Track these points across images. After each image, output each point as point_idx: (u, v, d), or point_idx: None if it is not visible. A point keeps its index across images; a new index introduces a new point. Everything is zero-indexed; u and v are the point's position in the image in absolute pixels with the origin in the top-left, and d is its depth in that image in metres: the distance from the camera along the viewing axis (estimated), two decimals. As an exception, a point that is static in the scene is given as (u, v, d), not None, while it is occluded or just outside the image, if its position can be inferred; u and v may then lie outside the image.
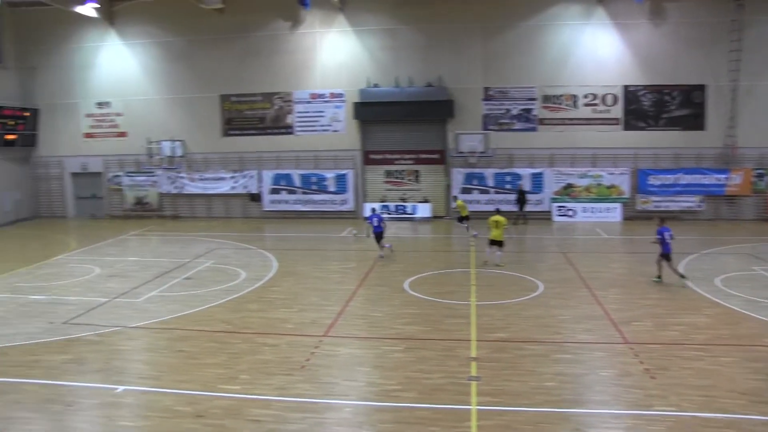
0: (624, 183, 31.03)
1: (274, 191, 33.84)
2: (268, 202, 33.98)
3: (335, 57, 32.68)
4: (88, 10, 31.83)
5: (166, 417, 10.67)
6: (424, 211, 32.14)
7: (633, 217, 30.98)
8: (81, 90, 35.72)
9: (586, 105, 31.05)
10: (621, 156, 31.11)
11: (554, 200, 31.42)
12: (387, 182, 33.20)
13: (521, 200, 30.60)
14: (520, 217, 30.40)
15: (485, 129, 31.57)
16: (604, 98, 30.88)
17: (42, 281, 20.84)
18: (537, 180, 31.41)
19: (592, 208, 31.23)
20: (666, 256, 18.50)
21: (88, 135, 36.05)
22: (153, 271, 21.75)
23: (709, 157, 30.72)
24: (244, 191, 34.28)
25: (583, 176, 31.21)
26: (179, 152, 34.37)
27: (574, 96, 31.07)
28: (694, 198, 30.62)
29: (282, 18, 32.87)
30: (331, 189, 33.11)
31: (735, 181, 30.34)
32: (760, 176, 30.24)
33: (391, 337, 14.41)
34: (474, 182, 31.90)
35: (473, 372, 12.13)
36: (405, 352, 13.45)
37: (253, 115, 33.94)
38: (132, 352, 14.21)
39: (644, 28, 30.42)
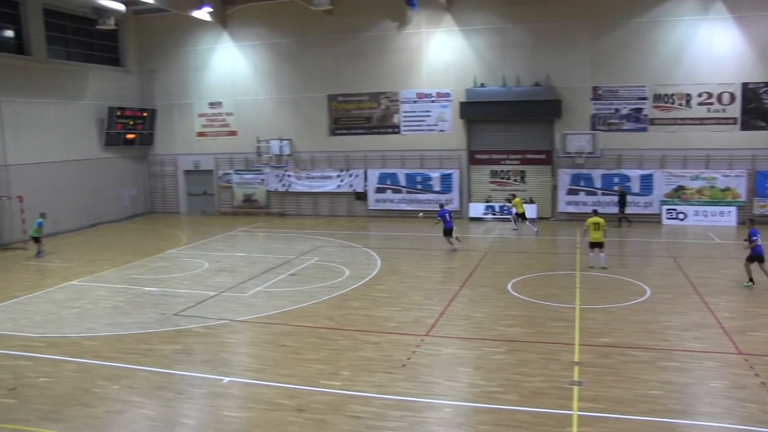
0: (740, 185, 29.56)
1: (380, 190, 34.17)
2: (374, 200, 34.35)
3: (442, 56, 32.67)
4: (203, 14, 33.28)
5: (268, 409, 11.00)
6: (529, 211, 31.64)
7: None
8: (195, 91, 37.26)
9: (701, 104, 29.74)
10: (737, 157, 29.63)
11: (664, 203, 30.30)
12: (492, 182, 32.92)
13: (622, 202, 29.74)
14: (622, 219, 29.58)
15: (593, 129, 30.80)
16: (720, 97, 29.49)
17: (155, 274, 21.90)
18: (646, 182, 30.38)
19: (705, 211, 29.91)
20: (758, 258, 17.72)
21: (201, 134, 37.56)
22: (259, 267, 22.42)
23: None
24: (349, 190, 34.80)
25: (695, 178, 29.95)
26: (287, 151, 35.23)
27: (688, 95, 29.83)
28: (819, 202, 28.93)
29: (389, 18, 33.14)
30: (436, 189, 33.12)
31: None
32: None
33: (493, 339, 14.33)
34: (581, 183, 31.19)
35: (575, 377, 11.92)
36: (507, 353, 13.35)
37: (360, 115, 34.38)
38: (238, 344, 14.73)
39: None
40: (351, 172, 34.57)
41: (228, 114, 36.79)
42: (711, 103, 29.59)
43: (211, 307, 17.51)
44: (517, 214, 29.04)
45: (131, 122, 36.13)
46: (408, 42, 33.05)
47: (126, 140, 36.03)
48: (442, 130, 33.14)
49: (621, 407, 10.62)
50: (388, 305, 17.34)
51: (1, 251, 27.32)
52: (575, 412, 10.48)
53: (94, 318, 16.83)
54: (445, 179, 32.99)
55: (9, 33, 30.08)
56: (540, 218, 31.67)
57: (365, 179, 34.37)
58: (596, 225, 20.93)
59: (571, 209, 31.22)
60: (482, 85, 31.85)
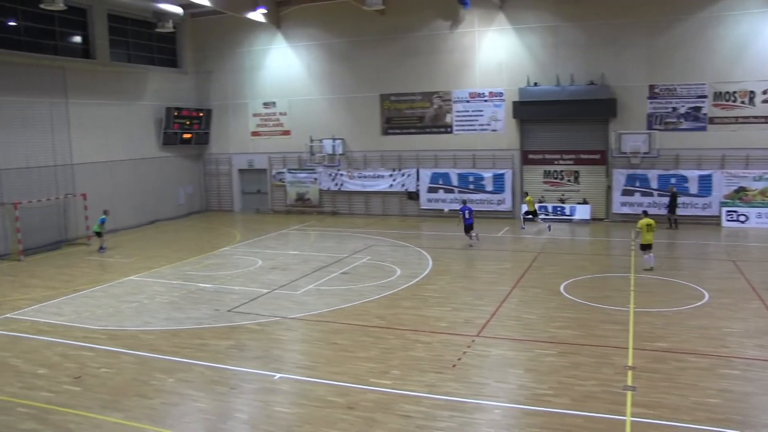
0: (808, 187, 28.72)
1: (432, 190, 34.12)
2: (426, 200, 34.34)
3: (494, 55, 32.46)
4: (258, 16, 33.79)
5: (319, 406, 11.12)
6: (583, 212, 31.28)
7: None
8: (249, 91, 37.81)
9: (765, 101, 28.92)
10: (803, 157, 28.78)
11: (724, 204, 29.55)
12: (545, 182, 32.58)
13: (673, 203, 29.13)
14: (672, 220, 29.01)
15: (649, 128, 30.20)
16: (786, 94, 28.68)
17: (210, 270, 22.32)
18: (705, 183, 29.65)
19: (768, 213, 29.15)
20: None
21: (255, 133, 38.09)
22: (311, 265, 22.64)
23: None
24: (401, 189, 34.84)
25: (758, 179, 29.11)
26: (340, 150, 35.46)
27: (751, 92, 29.01)
28: None
29: (441, 18, 33.08)
30: (489, 189, 32.94)
31: None
32: None
33: (545, 341, 14.20)
34: (636, 184, 30.64)
35: (629, 381, 11.74)
36: (558, 356, 13.22)
37: (412, 114, 34.40)
38: (289, 342, 14.92)
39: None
40: (403, 171, 34.61)
41: (282, 114, 37.21)
42: (776, 101, 28.75)
43: (263, 304, 17.76)
44: (527, 212, 29.57)
45: (188, 122, 36.87)
46: (460, 41, 32.93)
47: (182, 140, 36.78)
48: (494, 130, 32.94)
49: (676, 414, 10.39)
50: (439, 305, 17.34)
51: (66, 246, 28.16)
52: (628, 418, 10.32)
53: (151, 312, 17.28)
54: (498, 179, 32.78)
55: (77, 38, 31.20)
56: (594, 219, 31.22)
57: (417, 179, 34.37)
58: (649, 226, 20.62)
59: (626, 210, 30.66)
60: (535, 84, 31.56)
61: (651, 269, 20.47)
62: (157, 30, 31.64)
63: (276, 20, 35.90)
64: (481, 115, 33.03)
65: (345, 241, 27.87)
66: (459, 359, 13.11)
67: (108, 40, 32.05)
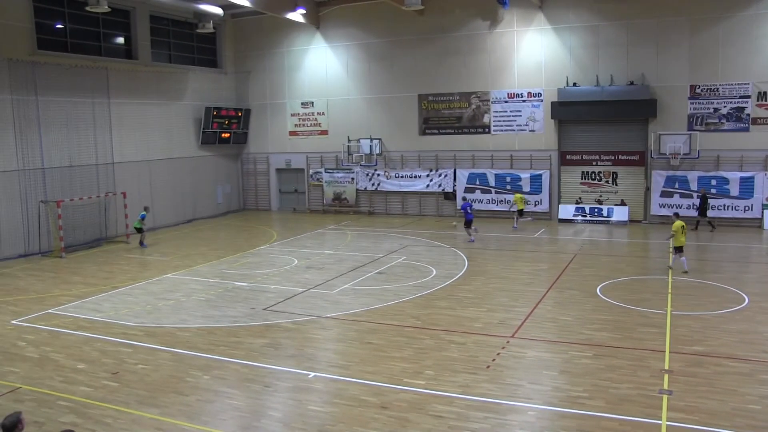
0: None
1: (469, 190, 33.99)
2: (461, 200, 34.22)
3: (533, 56, 32.25)
4: (297, 16, 34.01)
5: (352, 405, 11.18)
6: (620, 214, 30.91)
7: None
8: (288, 91, 38.10)
9: (809, 103, 28.35)
10: None
11: (766, 207, 28.98)
12: (583, 183, 32.28)
13: (703, 205, 28.65)
14: (702, 222, 28.59)
15: (690, 129, 29.74)
16: (832, 94, 28.04)
17: (246, 269, 22.56)
18: (747, 185, 29.08)
19: (814, 216, 28.47)
20: None
21: (293, 133, 38.35)
22: (347, 265, 22.74)
23: None
24: (438, 190, 34.80)
25: (802, 181, 28.55)
26: (377, 150, 35.55)
27: (796, 93, 28.49)
28: None
29: (480, 18, 32.97)
30: (526, 189, 32.67)
31: None
32: None
33: (580, 343, 14.09)
34: (675, 185, 30.18)
35: (665, 385, 11.60)
36: (594, 358, 13.11)
37: (450, 115, 34.33)
38: (324, 341, 15.02)
39: None
40: (440, 171, 34.56)
41: (320, 113, 37.41)
42: (822, 101, 28.12)
43: (299, 303, 17.90)
44: (518, 211, 30.06)
45: (226, 122, 37.27)
46: (499, 41, 32.79)
47: (221, 139, 37.20)
48: (532, 131, 32.72)
49: (714, 420, 10.23)
50: (474, 306, 17.31)
51: (106, 244, 28.68)
52: (664, 422, 10.19)
53: (188, 310, 17.52)
54: (535, 180, 32.57)
55: (120, 40, 31.83)
56: (632, 221, 30.84)
57: (454, 179, 34.30)
58: (682, 228, 20.41)
59: (665, 212, 30.14)
60: (575, 84, 31.27)
61: (686, 272, 20.17)
62: (198, 31, 32.14)
63: (315, 20, 36.11)
64: (519, 116, 32.83)
65: (381, 240, 27.94)
66: (493, 360, 13.08)
67: (150, 41, 32.60)
